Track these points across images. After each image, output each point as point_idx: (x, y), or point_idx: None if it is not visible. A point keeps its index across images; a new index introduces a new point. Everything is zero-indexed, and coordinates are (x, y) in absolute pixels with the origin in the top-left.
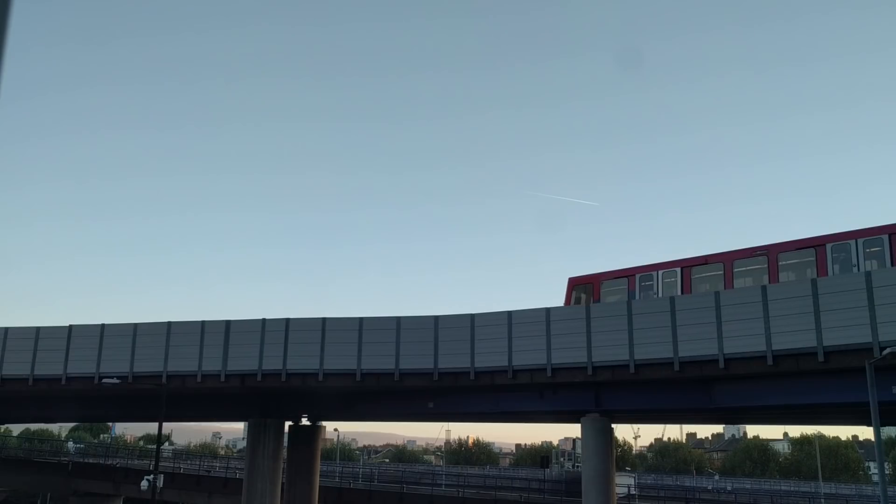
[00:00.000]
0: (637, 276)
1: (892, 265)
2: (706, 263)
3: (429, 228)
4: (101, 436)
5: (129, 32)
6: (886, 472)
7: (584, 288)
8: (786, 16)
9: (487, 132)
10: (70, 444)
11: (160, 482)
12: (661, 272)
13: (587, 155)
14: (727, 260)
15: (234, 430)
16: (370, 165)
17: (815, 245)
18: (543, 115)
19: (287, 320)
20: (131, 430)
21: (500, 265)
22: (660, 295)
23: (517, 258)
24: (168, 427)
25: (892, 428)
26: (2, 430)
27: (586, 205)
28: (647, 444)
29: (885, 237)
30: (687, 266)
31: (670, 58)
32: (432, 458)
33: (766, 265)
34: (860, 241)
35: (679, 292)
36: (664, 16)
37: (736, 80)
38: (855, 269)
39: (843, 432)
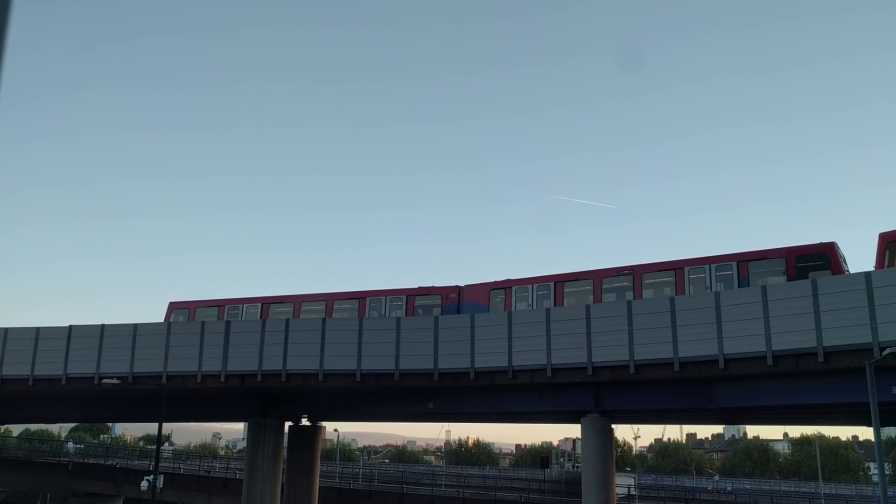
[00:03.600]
0: (513, 289)
1: (738, 287)
2: (577, 279)
3: (429, 230)
4: (101, 436)
5: (137, 36)
6: (886, 472)
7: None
8: (786, 18)
9: (489, 135)
10: (70, 445)
11: (160, 482)
12: (535, 286)
13: (587, 157)
14: (596, 277)
15: (234, 430)
16: (372, 168)
17: (675, 268)
18: (544, 118)
19: (287, 320)
20: (131, 431)
21: (500, 265)
22: (533, 307)
23: (518, 258)
24: (168, 427)
25: (892, 428)
26: (2, 430)
27: (595, 206)
28: (647, 444)
29: (734, 264)
30: (560, 281)
31: (671, 61)
32: (432, 458)
33: (631, 283)
34: (713, 265)
35: (552, 305)
36: (664, 19)
37: (736, 82)
38: (707, 290)
39: (843, 432)
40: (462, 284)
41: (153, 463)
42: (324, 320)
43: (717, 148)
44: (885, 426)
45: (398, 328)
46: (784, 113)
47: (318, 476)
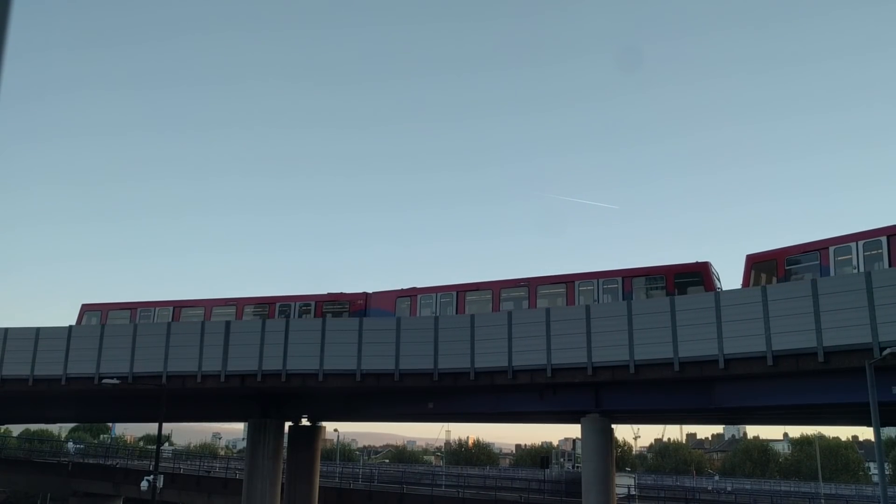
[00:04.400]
0: (419, 297)
1: (622, 300)
2: (478, 290)
3: (429, 230)
4: (101, 436)
5: (136, 36)
6: (886, 472)
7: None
8: (786, 17)
9: (489, 135)
10: (70, 445)
11: (160, 483)
12: (438, 294)
13: (588, 156)
14: (496, 288)
15: (234, 430)
16: (372, 168)
17: (566, 281)
18: (545, 118)
19: (287, 320)
20: (131, 431)
21: (501, 266)
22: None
23: (518, 259)
24: (168, 427)
25: (892, 428)
26: (2, 430)
27: (598, 206)
28: (647, 444)
29: (620, 279)
30: (462, 290)
31: (670, 60)
32: (432, 458)
33: (527, 294)
34: (600, 280)
35: (454, 312)
36: (664, 18)
37: (736, 81)
38: (595, 302)
39: (843, 432)
40: (370, 291)
41: (153, 463)
42: (324, 320)
43: (717, 147)
44: (885, 426)
45: (398, 328)
46: (784, 111)
47: (318, 476)
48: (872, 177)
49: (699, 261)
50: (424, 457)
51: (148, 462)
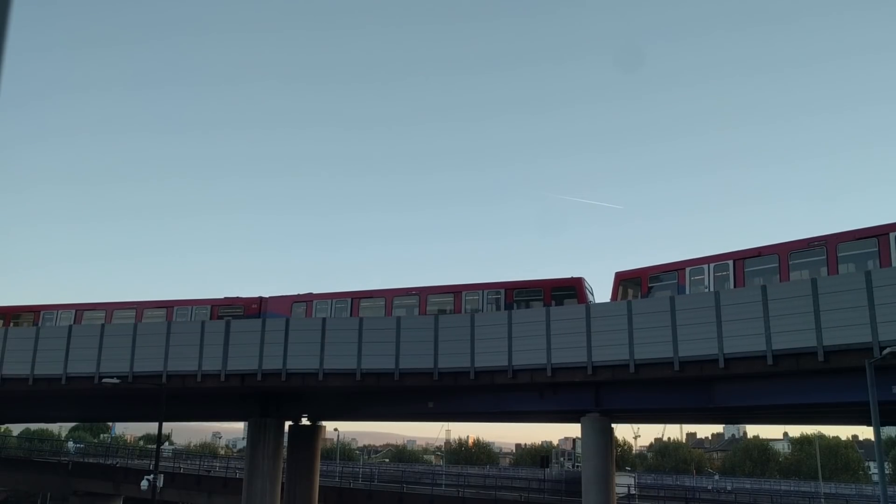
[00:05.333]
0: (314, 302)
1: (505, 309)
2: (372, 297)
3: (429, 231)
4: (101, 436)
5: (137, 36)
6: (886, 472)
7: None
8: (786, 18)
9: (489, 135)
10: (70, 444)
11: (160, 482)
12: (334, 300)
13: (588, 156)
14: (388, 295)
15: (234, 430)
16: (372, 168)
17: (454, 291)
18: (545, 117)
19: (287, 320)
20: (131, 430)
21: (501, 265)
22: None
23: (518, 259)
24: (168, 427)
25: (892, 428)
26: (2, 430)
27: (601, 206)
28: (647, 443)
29: (503, 291)
30: (356, 297)
31: (671, 60)
32: (432, 457)
33: (417, 302)
34: (485, 291)
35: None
36: (664, 19)
37: (736, 83)
38: (479, 311)
39: (843, 432)
40: (266, 296)
41: (153, 462)
42: (324, 319)
43: (717, 147)
44: (885, 426)
45: (398, 327)
46: (784, 112)
47: (318, 475)
48: (874, 176)
49: (574, 276)
50: (424, 456)
51: (148, 461)
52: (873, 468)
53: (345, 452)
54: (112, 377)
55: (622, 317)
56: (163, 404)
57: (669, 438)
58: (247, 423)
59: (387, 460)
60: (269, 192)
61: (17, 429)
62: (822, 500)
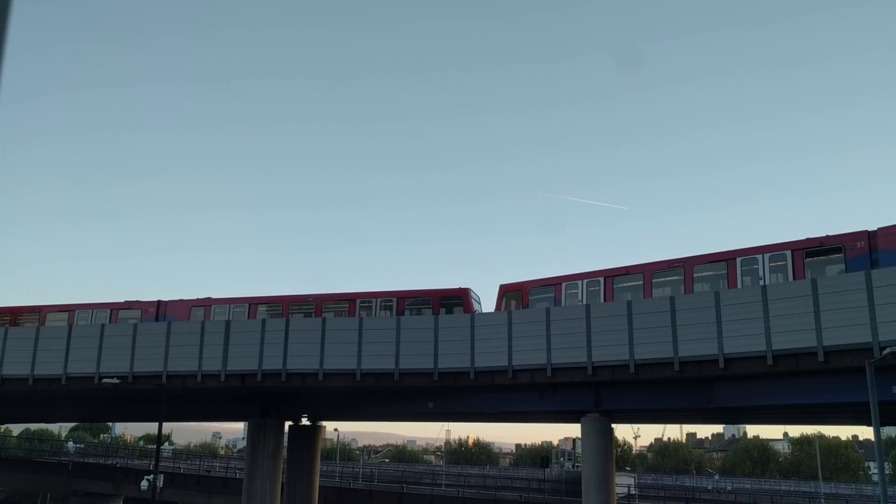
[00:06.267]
0: (213, 307)
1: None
2: (269, 303)
3: (429, 230)
4: (101, 436)
5: (136, 35)
6: (886, 472)
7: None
8: (786, 18)
9: (490, 134)
10: (70, 444)
11: (160, 482)
12: (232, 305)
13: (588, 157)
14: (286, 302)
15: (234, 430)
16: (372, 167)
17: (350, 299)
18: (545, 117)
19: (287, 320)
20: (131, 430)
21: (501, 265)
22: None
23: (519, 258)
24: (168, 427)
25: (892, 428)
26: (2, 430)
27: (604, 207)
28: (647, 444)
29: (395, 300)
30: (254, 303)
31: (671, 59)
32: (432, 458)
33: (314, 308)
34: (378, 300)
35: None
36: (664, 18)
37: (736, 82)
38: (371, 316)
39: (843, 432)
40: (165, 300)
41: (153, 462)
42: (324, 320)
43: (718, 147)
44: (885, 426)
45: (398, 328)
46: (784, 111)
47: (318, 475)
48: (874, 176)
49: (461, 287)
50: (424, 456)
51: (148, 461)
52: (873, 468)
53: (345, 452)
54: (112, 377)
55: (622, 317)
56: (163, 404)
57: (669, 439)
58: (247, 423)
59: (387, 460)
60: (269, 189)
61: (17, 429)
62: (822, 500)
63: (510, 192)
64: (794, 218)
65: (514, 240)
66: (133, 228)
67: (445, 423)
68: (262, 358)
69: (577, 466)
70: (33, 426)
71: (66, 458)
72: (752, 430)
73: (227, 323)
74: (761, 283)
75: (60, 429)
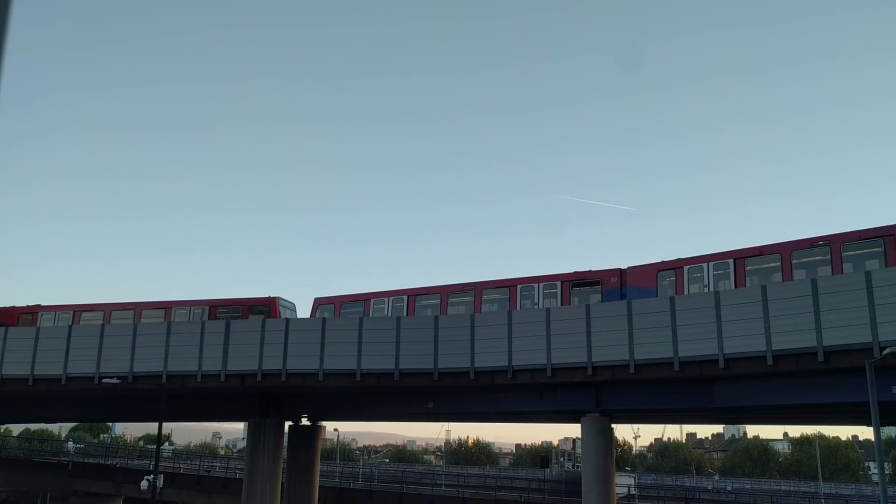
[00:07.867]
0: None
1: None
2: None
3: (429, 229)
4: (101, 436)
5: (136, 35)
6: (886, 472)
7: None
8: (786, 18)
9: (489, 134)
10: (70, 444)
11: (160, 482)
12: (192, 308)
13: (588, 157)
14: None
15: (234, 430)
16: (371, 167)
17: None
18: (545, 117)
19: (287, 320)
20: (131, 430)
21: (501, 265)
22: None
23: (519, 258)
24: (168, 427)
25: (892, 428)
26: (2, 430)
27: (604, 207)
28: (647, 444)
29: (207, 308)
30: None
31: (671, 60)
32: (432, 458)
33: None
34: (192, 308)
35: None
36: (664, 18)
37: (737, 82)
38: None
39: (843, 432)
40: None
41: (153, 462)
42: (324, 320)
43: (718, 147)
44: (885, 426)
45: (398, 328)
46: (784, 111)
47: (317, 476)
48: (874, 176)
49: (269, 296)
50: (424, 456)
51: (148, 461)
52: (873, 468)
53: (345, 453)
54: (112, 377)
55: (622, 317)
56: (163, 404)
57: (669, 439)
58: (247, 423)
59: (387, 460)
60: (269, 190)
61: (17, 429)
62: (822, 500)
63: (510, 192)
64: (795, 218)
65: (514, 240)
66: (133, 228)
67: (445, 423)
68: (262, 358)
69: (577, 466)
70: (33, 426)
71: (66, 459)
72: (752, 430)
73: (227, 323)
74: (536, 307)
75: (60, 429)
